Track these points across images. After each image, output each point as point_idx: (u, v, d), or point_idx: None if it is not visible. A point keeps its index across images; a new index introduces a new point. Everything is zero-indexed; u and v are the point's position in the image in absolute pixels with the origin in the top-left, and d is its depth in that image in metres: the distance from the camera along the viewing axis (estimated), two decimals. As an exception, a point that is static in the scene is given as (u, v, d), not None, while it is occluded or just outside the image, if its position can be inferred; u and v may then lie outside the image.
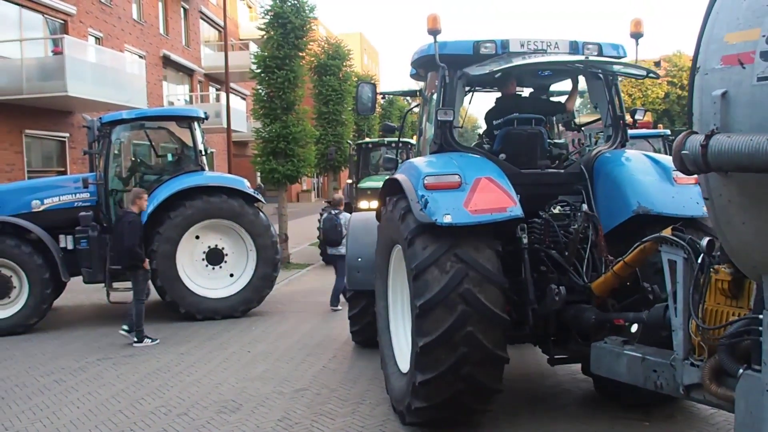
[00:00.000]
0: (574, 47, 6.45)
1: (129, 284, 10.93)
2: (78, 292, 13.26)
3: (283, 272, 14.57)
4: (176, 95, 34.67)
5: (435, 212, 5.37)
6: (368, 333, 8.25)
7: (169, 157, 12.44)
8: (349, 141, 22.93)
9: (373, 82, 10.44)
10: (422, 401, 5.57)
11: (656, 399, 5.52)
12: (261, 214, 11.47)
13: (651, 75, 6.53)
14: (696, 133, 3.41)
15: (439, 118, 6.43)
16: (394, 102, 35.88)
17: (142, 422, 6.50)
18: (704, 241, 4.22)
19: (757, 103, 3.13)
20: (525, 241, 5.80)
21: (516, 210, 5.50)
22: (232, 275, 11.46)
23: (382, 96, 9.97)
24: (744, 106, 3.19)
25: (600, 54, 6.51)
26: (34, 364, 8.70)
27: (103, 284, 11.15)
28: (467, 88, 7.15)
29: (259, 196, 11.62)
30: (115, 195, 11.59)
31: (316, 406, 6.81)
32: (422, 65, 7.05)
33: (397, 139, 10.49)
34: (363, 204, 17.06)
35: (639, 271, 5.46)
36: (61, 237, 10.99)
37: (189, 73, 35.71)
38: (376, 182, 15.57)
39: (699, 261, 4.26)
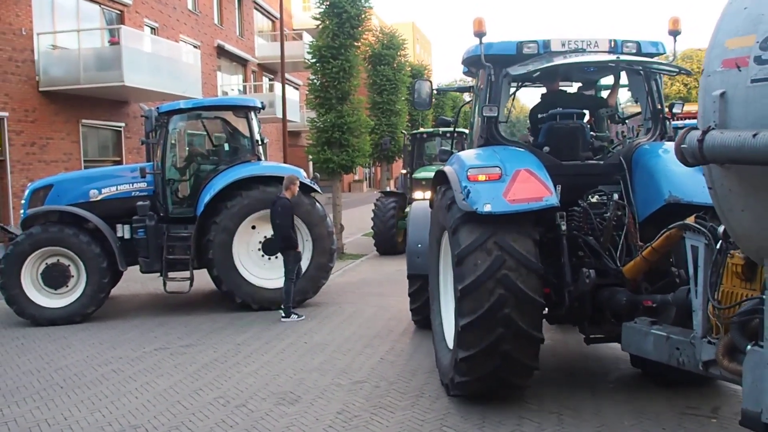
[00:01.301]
0: (613, 45, 6.81)
1: (186, 274, 11.00)
2: (134, 282, 13.39)
3: (338, 263, 14.44)
4: (230, 85, 34.95)
5: (476, 201, 5.81)
6: (426, 313, 8.41)
7: (226, 147, 12.38)
8: (403, 131, 22.69)
9: (429, 78, 10.85)
10: (463, 376, 6.06)
11: (694, 377, 5.60)
12: (317, 204, 11.33)
13: (683, 72, 7.01)
14: (695, 128, 3.82)
15: (484, 114, 6.90)
16: (447, 93, 35.47)
17: (201, 413, 6.42)
18: (722, 228, 4.45)
19: (750, 103, 3.51)
20: (564, 228, 6.32)
21: (552, 199, 5.90)
22: (288, 265, 11.35)
23: (437, 92, 10.21)
24: (739, 106, 3.56)
25: (638, 51, 6.84)
26: (92, 354, 8.73)
27: (159, 274, 11.17)
28: (514, 84, 7.53)
29: (316, 186, 11.48)
30: (172, 185, 11.60)
31: (375, 398, 6.66)
32: (471, 64, 7.49)
33: (451, 129, 10.85)
34: (417, 194, 16.81)
35: (673, 255, 5.84)
36: (119, 226, 11.04)
37: (243, 63, 35.96)
38: (431, 172, 15.27)
39: (717, 246, 4.60)
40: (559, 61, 6.61)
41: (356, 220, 23.70)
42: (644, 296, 6.00)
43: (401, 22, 59.41)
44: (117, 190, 11.26)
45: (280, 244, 10.37)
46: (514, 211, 5.77)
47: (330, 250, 11.29)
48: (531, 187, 5.92)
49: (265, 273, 11.27)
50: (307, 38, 30.79)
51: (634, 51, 6.84)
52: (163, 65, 22.10)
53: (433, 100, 8.87)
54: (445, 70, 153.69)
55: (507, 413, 6.11)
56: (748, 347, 4.04)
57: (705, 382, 6.58)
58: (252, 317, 10.56)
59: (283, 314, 10.34)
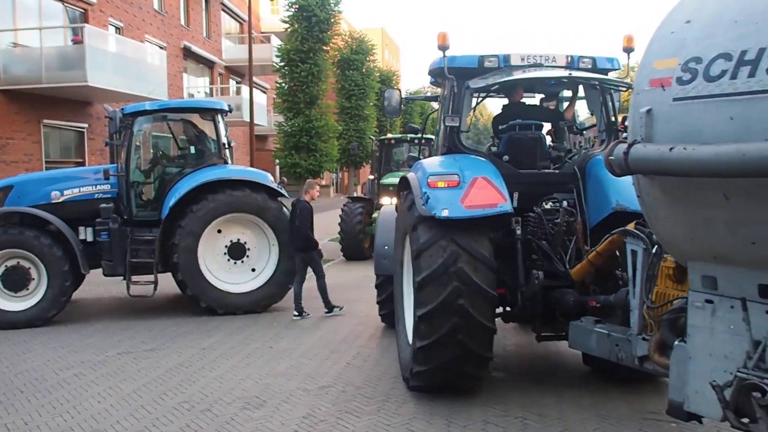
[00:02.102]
0: (570, 61, 7.17)
1: (150, 277, 10.87)
2: (97, 285, 13.17)
3: (304, 267, 14.39)
4: (196, 87, 34.61)
5: (435, 207, 6.16)
6: (391, 307, 8.65)
7: (192, 150, 12.28)
8: (371, 136, 22.73)
9: (398, 88, 11.79)
10: (421, 365, 6.35)
11: (640, 374, 6.02)
12: (284, 208, 11.30)
13: (632, 88, 7.53)
14: (624, 142, 4.16)
15: (446, 124, 7.24)
16: (415, 101, 35.65)
17: (165, 418, 6.34)
18: None
19: (672, 120, 3.83)
20: (518, 232, 6.78)
21: (505, 206, 6.29)
22: (254, 270, 11.30)
23: (406, 100, 10.48)
24: (663, 122, 3.89)
25: (594, 66, 7.17)
26: (53, 358, 8.58)
27: (123, 277, 11.02)
28: (479, 96, 8.00)
29: (283, 191, 11.45)
30: (137, 187, 11.46)
31: (342, 403, 6.65)
32: (437, 75, 7.70)
33: (419, 136, 11.16)
34: (385, 200, 16.81)
35: (619, 259, 6.05)
36: (81, 229, 10.87)
37: (209, 65, 35.66)
38: (398, 178, 15.32)
39: (653, 251, 5.01)
40: (516, 75, 7.00)
41: (323, 225, 23.55)
42: (590, 297, 6.38)
43: (370, 27, 59.43)
44: (80, 191, 11.08)
45: (299, 244, 10.72)
46: (469, 217, 6.14)
47: (296, 254, 11.24)
48: (487, 194, 6.28)
49: (230, 277, 11.19)
50: (276, 41, 30.68)
51: (589, 66, 7.17)
52: (128, 66, 21.84)
53: (402, 107, 9.04)
54: (414, 76, 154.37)
55: (472, 418, 6.16)
56: (675, 343, 4.42)
57: (664, 387, 6.69)
58: (217, 322, 10.48)
59: (326, 310, 10.89)
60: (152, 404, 6.74)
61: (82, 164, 21.77)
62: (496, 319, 6.48)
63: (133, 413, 6.49)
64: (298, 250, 10.79)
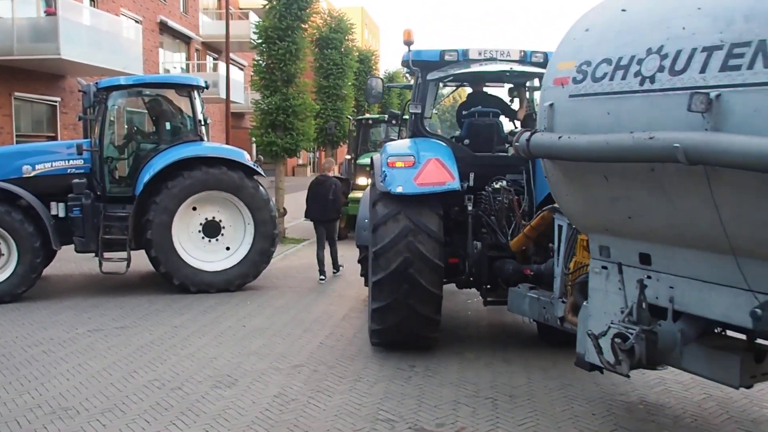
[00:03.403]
0: (523, 55, 7.94)
1: (123, 254, 10.77)
2: (68, 261, 13.02)
3: (280, 247, 14.35)
4: (172, 63, 34.09)
5: (391, 183, 6.99)
6: None
7: (167, 126, 12.12)
8: (349, 116, 22.59)
9: (380, 77, 12.59)
10: (377, 324, 7.24)
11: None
12: (261, 187, 11.22)
13: None
14: (529, 131, 4.86)
15: (411, 111, 8.14)
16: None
17: (135, 396, 6.31)
18: None
19: (568, 113, 4.54)
20: (470, 208, 7.58)
21: (453, 184, 7.08)
22: (228, 248, 11.23)
23: (388, 87, 10.96)
24: (561, 115, 4.59)
25: (545, 61, 7.62)
26: (22, 334, 8.48)
27: (95, 254, 10.89)
28: (443, 86, 8.97)
29: (259, 169, 11.36)
30: (110, 163, 11.29)
31: (313, 382, 6.67)
32: (407, 66, 8.37)
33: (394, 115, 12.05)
34: (361, 180, 16.81)
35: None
36: (53, 204, 10.70)
37: (186, 40, 35.12)
38: (375, 158, 15.38)
39: (574, 225, 5.54)
40: (461, 69, 7.89)
41: (300, 205, 23.38)
42: (525, 266, 7.18)
43: (350, 6, 58.94)
44: (52, 166, 10.89)
45: (332, 215, 12.17)
46: (420, 193, 6.96)
47: (272, 234, 11.22)
48: (438, 173, 7.08)
49: (204, 255, 11.12)
50: (254, 18, 30.28)
51: (541, 60, 7.79)
52: (103, 39, 21.41)
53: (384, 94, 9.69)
54: (394, 56, 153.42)
55: (443, 398, 6.21)
56: (583, 303, 5.17)
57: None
58: (190, 300, 10.42)
59: (335, 270, 12.50)
60: (122, 382, 6.70)
61: (55, 138, 21.35)
62: (473, 296, 7.35)
63: (103, 391, 6.45)
64: (330, 221, 12.15)
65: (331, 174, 12.61)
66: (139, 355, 7.58)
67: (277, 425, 5.64)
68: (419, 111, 8.04)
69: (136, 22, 27.86)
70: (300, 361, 7.35)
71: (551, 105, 4.67)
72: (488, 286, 7.77)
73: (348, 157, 19.23)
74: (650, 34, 4.02)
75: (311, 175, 53.56)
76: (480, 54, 7.94)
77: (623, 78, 4.08)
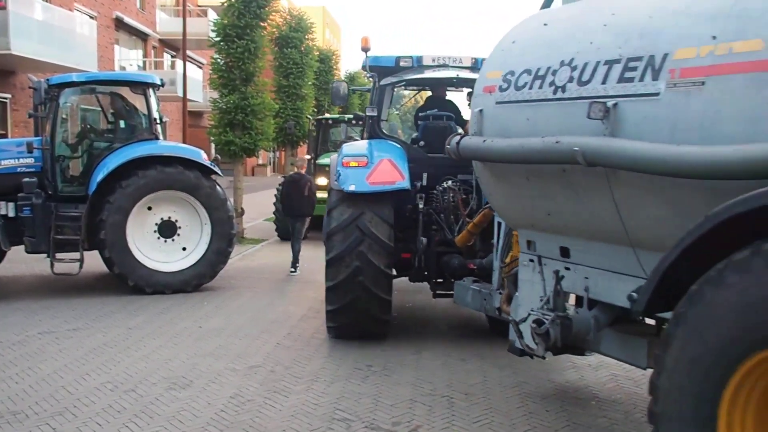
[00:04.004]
0: (474, 62, 8.28)
1: (76, 255, 10.56)
2: (19, 262, 12.69)
3: (237, 247, 14.20)
4: (128, 60, 33.57)
5: (344, 182, 7.40)
6: None
7: (122, 124, 11.92)
8: (308, 116, 22.50)
9: (346, 81, 13.33)
10: (331, 304, 7.63)
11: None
12: (218, 187, 11.11)
13: None
14: (459, 134, 5.44)
15: (367, 114, 8.60)
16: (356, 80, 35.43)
17: (87, 399, 6.19)
18: None
19: (494, 118, 4.93)
20: (421, 206, 7.95)
21: (403, 183, 7.48)
22: (184, 249, 11.09)
23: (353, 91, 11.83)
24: (489, 120, 4.98)
25: None
26: (-29, 336, 8.26)
27: (46, 255, 10.65)
28: (396, 90, 9.24)
29: (216, 169, 11.25)
30: (62, 161, 11.06)
31: (270, 383, 6.62)
32: (365, 71, 8.80)
33: (359, 116, 12.74)
34: (321, 180, 16.71)
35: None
36: (2, 204, 10.41)
37: (143, 37, 34.62)
38: (335, 158, 15.39)
39: None
40: (414, 75, 8.44)
41: (259, 205, 23.35)
42: (469, 260, 7.59)
43: (311, 5, 58.76)
44: (1, 165, 10.62)
45: (308, 210, 12.66)
46: (371, 191, 7.35)
47: (229, 234, 11.11)
48: (389, 173, 7.46)
49: (160, 256, 10.96)
50: (213, 15, 30.00)
51: None
52: (55, 35, 21.01)
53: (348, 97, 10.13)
54: (355, 57, 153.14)
55: (400, 397, 6.23)
56: (515, 294, 5.57)
57: (586, 371, 6.98)
58: (145, 301, 10.26)
59: (292, 269, 12.72)
60: (73, 385, 6.56)
61: (4, 136, 20.79)
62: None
63: (53, 394, 6.31)
64: (305, 216, 12.74)
65: (302, 171, 13.07)
66: (91, 358, 7.44)
67: (232, 426, 5.59)
68: (375, 113, 8.48)
69: (91, 17, 27.38)
70: (257, 362, 7.30)
71: (480, 111, 5.05)
72: (439, 280, 8.14)
73: (308, 157, 19.15)
74: (564, 48, 4.40)
75: (271, 175, 53.32)
76: (434, 60, 8.40)
77: (540, 87, 4.46)
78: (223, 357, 7.47)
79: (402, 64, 8.47)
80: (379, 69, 8.54)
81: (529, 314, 4.96)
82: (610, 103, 3.87)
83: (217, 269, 11.15)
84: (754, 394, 2.86)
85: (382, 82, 8.51)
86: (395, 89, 9.15)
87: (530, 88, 4.54)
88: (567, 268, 4.79)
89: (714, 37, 3.45)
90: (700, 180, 3.40)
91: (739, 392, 2.85)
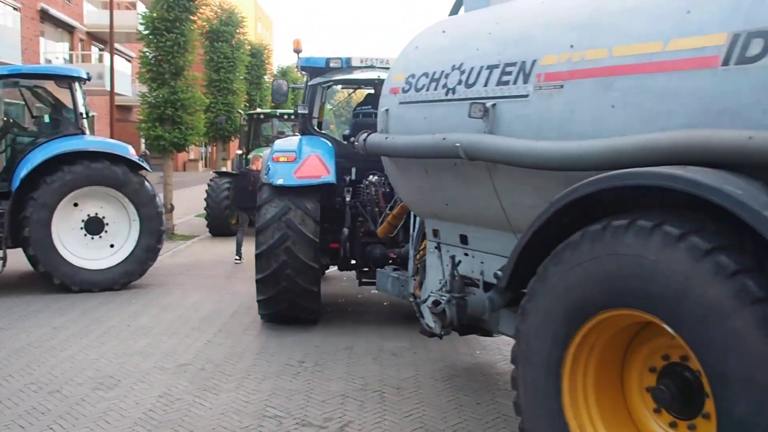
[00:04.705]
0: None
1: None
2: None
3: (168, 243, 14.03)
4: (54, 53, 32.54)
5: (273, 176, 7.86)
6: None
7: (46, 119, 11.58)
8: (240, 111, 22.27)
9: (286, 79, 13.95)
10: (261, 294, 8.11)
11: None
12: (146, 182, 10.92)
13: None
14: (367, 132, 5.85)
15: (299, 111, 9.06)
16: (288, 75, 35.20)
17: (9, 401, 6.03)
18: None
19: (398, 118, 5.31)
20: (348, 198, 8.50)
21: (328, 178, 7.98)
22: (112, 246, 10.87)
23: (293, 89, 12.20)
24: (393, 119, 5.37)
25: None
26: None
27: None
28: (328, 88, 9.63)
29: (145, 164, 11.05)
30: (-16, 157, 10.71)
31: (200, 381, 6.57)
32: (299, 71, 9.32)
33: (291, 111, 12.84)
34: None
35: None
36: None
37: (69, 30, 33.59)
38: (267, 153, 15.42)
39: None
40: (342, 75, 8.92)
41: (189, 201, 23.00)
42: (389, 250, 8.07)
43: (243, -1, 57.98)
44: None
45: (251, 204, 12.59)
46: (298, 185, 7.79)
47: (158, 230, 10.95)
48: (315, 167, 7.93)
49: (87, 253, 10.72)
50: (142, 8, 29.33)
51: None
52: (-24, 26, 20.22)
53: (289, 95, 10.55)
54: (287, 51, 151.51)
55: (331, 392, 6.28)
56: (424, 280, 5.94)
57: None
58: (71, 300, 10.02)
59: (237, 258, 13.36)
60: (-5, 386, 6.39)
61: None
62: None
63: (-26, 396, 6.13)
64: (249, 208, 12.42)
65: (254, 167, 13.49)
66: (14, 359, 7.24)
67: (161, 426, 5.54)
68: (306, 111, 8.92)
69: (15, 9, 26.41)
70: (186, 360, 7.23)
71: (387, 110, 5.43)
72: (364, 269, 8.65)
73: (239, 152, 18.98)
74: (455, 53, 4.82)
75: (203, 170, 52.49)
76: (362, 62, 8.88)
77: (435, 89, 4.88)
78: (152, 356, 7.38)
79: (332, 64, 8.90)
80: (310, 69, 8.97)
81: (429, 296, 5.41)
82: (489, 103, 4.28)
83: (146, 266, 10.97)
84: (593, 352, 3.45)
85: (312, 82, 8.94)
86: (327, 88, 9.48)
87: (427, 89, 4.96)
88: (466, 254, 5.18)
89: (572, 46, 3.87)
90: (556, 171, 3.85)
91: (579, 351, 3.42)
